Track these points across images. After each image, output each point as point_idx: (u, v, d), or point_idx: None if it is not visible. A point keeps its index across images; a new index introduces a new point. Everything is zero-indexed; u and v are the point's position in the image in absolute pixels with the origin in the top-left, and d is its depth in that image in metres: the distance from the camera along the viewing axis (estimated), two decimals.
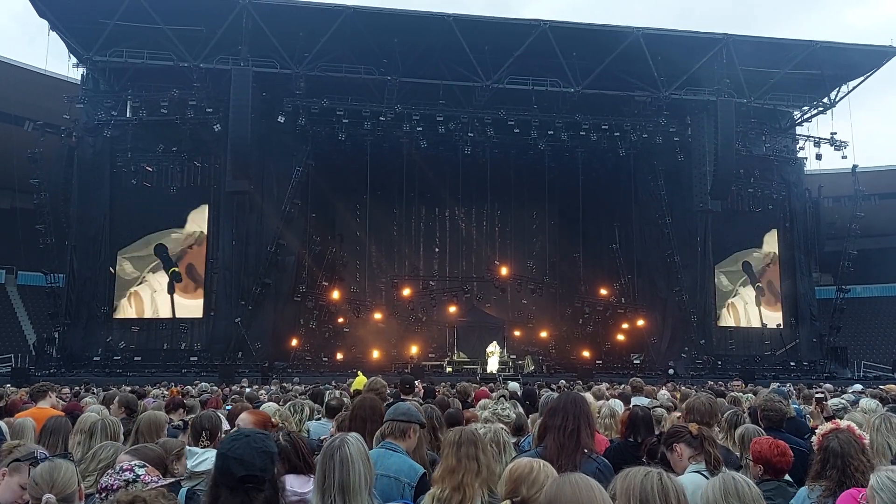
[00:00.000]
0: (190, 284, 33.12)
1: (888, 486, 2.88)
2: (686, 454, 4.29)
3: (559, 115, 33.54)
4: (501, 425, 4.97)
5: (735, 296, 36.94)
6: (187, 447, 4.99)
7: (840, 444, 3.77)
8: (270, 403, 9.38)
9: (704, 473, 4.10)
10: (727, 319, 36.49)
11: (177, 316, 32.63)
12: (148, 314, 32.69)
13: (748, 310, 37.00)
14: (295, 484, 3.53)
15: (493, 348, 32.61)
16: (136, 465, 3.39)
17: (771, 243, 37.81)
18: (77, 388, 17.17)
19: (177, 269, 32.79)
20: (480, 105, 33.42)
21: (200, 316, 32.58)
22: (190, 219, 33.32)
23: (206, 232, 33.20)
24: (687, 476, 4.12)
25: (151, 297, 32.82)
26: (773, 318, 37.35)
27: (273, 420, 5.32)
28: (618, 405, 7.90)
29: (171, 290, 32.78)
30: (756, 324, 36.89)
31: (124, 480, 3.27)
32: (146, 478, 3.32)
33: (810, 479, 3.87)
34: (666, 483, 2.49)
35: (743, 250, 37.25)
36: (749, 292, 37.17)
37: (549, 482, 2.29)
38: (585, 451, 4.24)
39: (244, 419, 5.53)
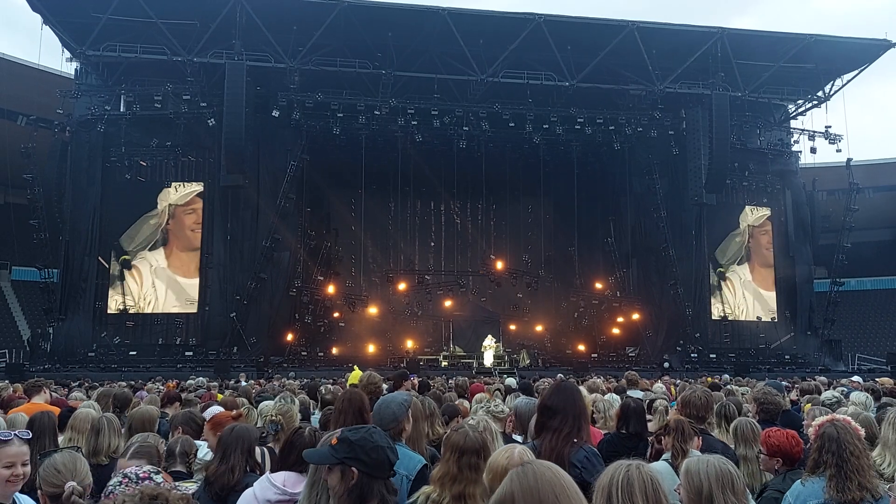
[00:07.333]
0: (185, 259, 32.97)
1: None
2: (668, 444, 4.75)
3: (554, 109, 33.50)
4: (489, 418, 4.94)
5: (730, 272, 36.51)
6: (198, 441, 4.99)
7: (836, 430, 3.77)
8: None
9: (670, 461, 4.53)
10: (727, 298, 36.27)
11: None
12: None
13: (744, 288, 36.53)
14: (288, 482, 3.49)
15: (490, 342, 32.65)
16: (151, 471, 3.29)
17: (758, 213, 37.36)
18: (72, 383, 17.12)
19: (127, 258, 32.48)
20: (475, 99, 33.39)
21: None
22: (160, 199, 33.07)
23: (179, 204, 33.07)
24: (657, 463, 4.54)
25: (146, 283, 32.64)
26: (768, 297, 36.95)
27: (237, 412, 5.28)
28: (614, 400, 7.87)
29: (121, 279, 32.45)
30: (750, 307, 36.57)
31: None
32: (164, 485, 3.27)
33: (808, 470, 3.85)
34: (632, 475, 2.39)
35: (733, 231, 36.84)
36: (744, 270, 36.72)
37: (511, 474, 2.22)
38: (575, 441, 4.25)
39: (212, 411, 5.56)
